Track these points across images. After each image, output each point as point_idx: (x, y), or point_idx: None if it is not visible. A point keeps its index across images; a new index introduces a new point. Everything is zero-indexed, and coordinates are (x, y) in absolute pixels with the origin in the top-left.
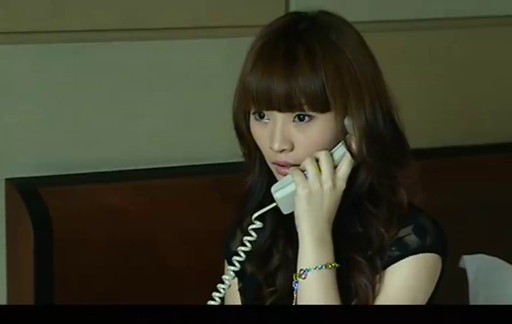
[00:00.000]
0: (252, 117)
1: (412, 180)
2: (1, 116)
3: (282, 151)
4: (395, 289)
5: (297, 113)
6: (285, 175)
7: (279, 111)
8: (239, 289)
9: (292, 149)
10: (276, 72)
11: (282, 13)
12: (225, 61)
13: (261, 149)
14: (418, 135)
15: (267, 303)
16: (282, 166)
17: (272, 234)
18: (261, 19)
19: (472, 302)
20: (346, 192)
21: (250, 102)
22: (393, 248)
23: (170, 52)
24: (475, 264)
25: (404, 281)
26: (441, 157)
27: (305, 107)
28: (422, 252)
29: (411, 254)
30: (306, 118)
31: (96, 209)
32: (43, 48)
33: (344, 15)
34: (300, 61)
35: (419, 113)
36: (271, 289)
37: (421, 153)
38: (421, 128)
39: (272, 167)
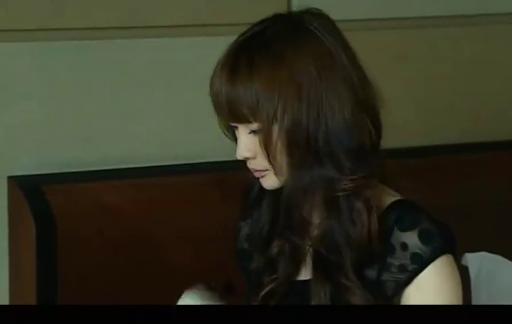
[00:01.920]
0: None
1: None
2: (2, 114)
3: (247, 159)
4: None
5: (249, 127)
6: (259, 177)
7: (237, 123)
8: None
9: (255, 157)
10: (222, 84)
11: (285, 11)
12: None
13: None
14: (421, 133)
15: (267, 289)
16: (254, 172)
17: (270, 220)
18: (263, 17)
19: (474, 299)
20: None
21: (216, 112)
22: (407, 261)
23: (171, 50)
24: (477, 262)
25: (434, 292)
26: (443, 155)
27: (251, 118)
28: (436, 259)
29: (427, 264)
30: (257, 130)
31: (98, 207)
32: (44, 46)
33: (348, 14)
34: (240, 71)
35: (423, 111)
36: (272, 276)
37: (423, 151)
38: (424, 126)
39: None
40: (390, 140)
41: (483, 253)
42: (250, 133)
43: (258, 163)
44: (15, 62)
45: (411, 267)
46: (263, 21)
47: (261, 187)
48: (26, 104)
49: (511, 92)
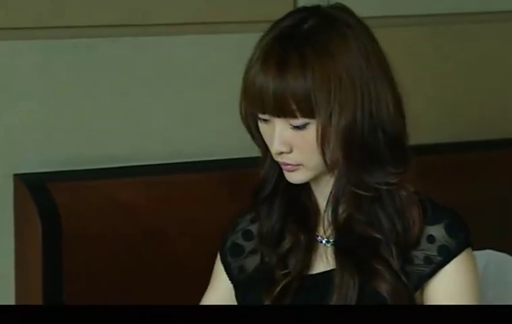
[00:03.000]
0: (259, 119)
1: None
2: (4, 113)
3: (280, 153)
4: (455, 297)
5: (292, 122)
6: (290, 171)
7: (274, 116)
8: (235, 286)
9: (290, 151)
10: (269, 78)
11: (290, 8)
12: (230, 56)
13: (268, 147)
14: (427, 130)
15: (280, 286)
16: (284, 165)
17: (282, 217)
18: (267, 15)
19: (480, 297)
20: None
21: (250, 104)
22: (434, 253)
23: (174, 48)
24: (483, 260)
25: (460, 285)
26: (448, 153)
27: (297, 113)
28: (462, 251)
29: (454, 257)
30: (301, 125)
31: (104, 204)
32: (44, 44)
33: (354, 10)
34: (292, 65)
35: (428, 108)
36: (284, 271)
37: (430, 148)
38: (431, 123)
39: (279, 164)
40: None
41: (490, 251)
42: (291, 127)
43: (293, 157)
44: (16, 60)
45: (437, 259)
46: (292, 14)
47: (275, 185)
48: (28, 103)
49: None
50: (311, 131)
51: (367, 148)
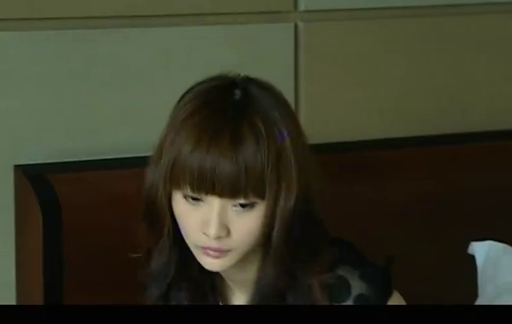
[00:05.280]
0: (179, 197)
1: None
2: (5, 103)
3: (217, 238)
4: None
5: (239, 202)
6: (215, 258)
7: (221, 197)
8: None
9: (227, 235)
10: (222, 152)
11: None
12: (228, 48)
13: (185, 231)
14: (430, 122)
15: None
16: (213, 251)
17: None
18: (264, 6)
19: (480, 289)
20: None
21: (185, 184)
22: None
23: (171, 40)
24: (483, 251)
25: None
26: (446, 144)
27: (250, 194)
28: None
29: None
30: (248, 206)
31: (105, 196)
32: (41, 35)
33: (351, 3)
34: (246, 139)
35: (424, 100)
36: None
37: (427, 140)
38: (433, 115)
39: (196, 250)
40: (402, 129)
41: (490, 242)
42: (234, 208)
43: (228, 241)
44: (13, 51)
45: None
46: (211, 83)
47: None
48: (26, 94)
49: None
50: (256, 213)
51: (304, 232)
